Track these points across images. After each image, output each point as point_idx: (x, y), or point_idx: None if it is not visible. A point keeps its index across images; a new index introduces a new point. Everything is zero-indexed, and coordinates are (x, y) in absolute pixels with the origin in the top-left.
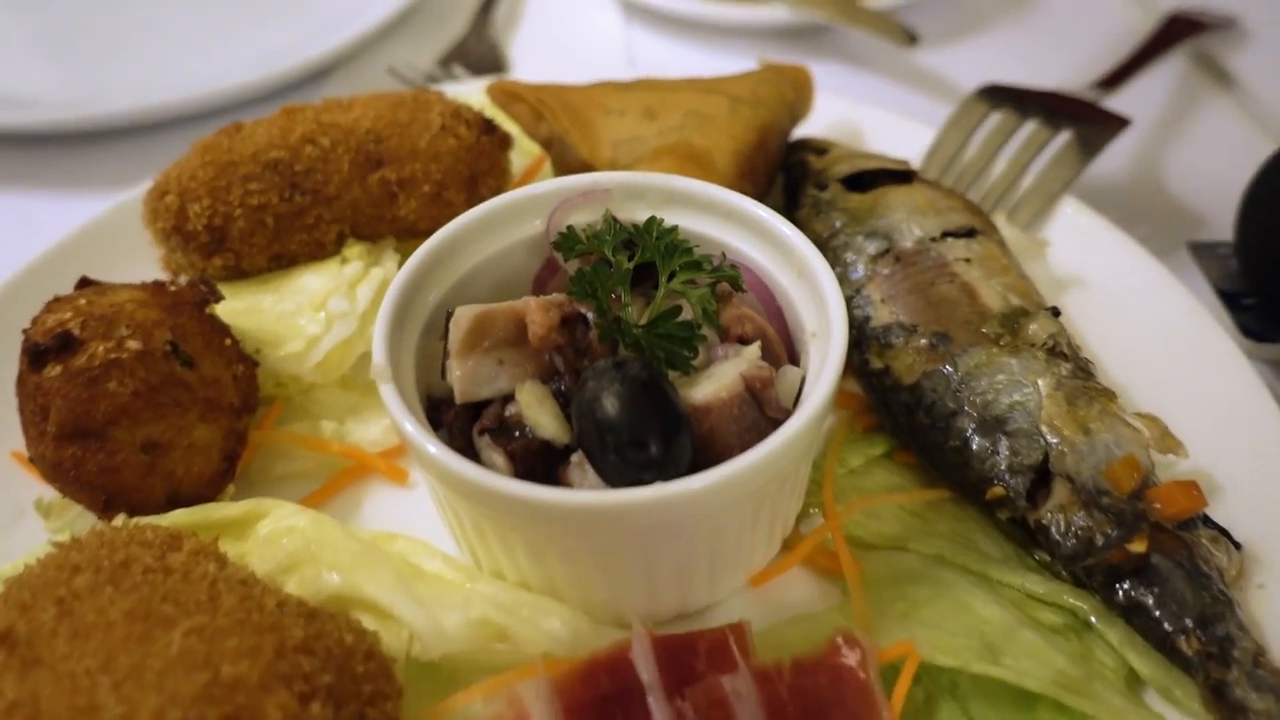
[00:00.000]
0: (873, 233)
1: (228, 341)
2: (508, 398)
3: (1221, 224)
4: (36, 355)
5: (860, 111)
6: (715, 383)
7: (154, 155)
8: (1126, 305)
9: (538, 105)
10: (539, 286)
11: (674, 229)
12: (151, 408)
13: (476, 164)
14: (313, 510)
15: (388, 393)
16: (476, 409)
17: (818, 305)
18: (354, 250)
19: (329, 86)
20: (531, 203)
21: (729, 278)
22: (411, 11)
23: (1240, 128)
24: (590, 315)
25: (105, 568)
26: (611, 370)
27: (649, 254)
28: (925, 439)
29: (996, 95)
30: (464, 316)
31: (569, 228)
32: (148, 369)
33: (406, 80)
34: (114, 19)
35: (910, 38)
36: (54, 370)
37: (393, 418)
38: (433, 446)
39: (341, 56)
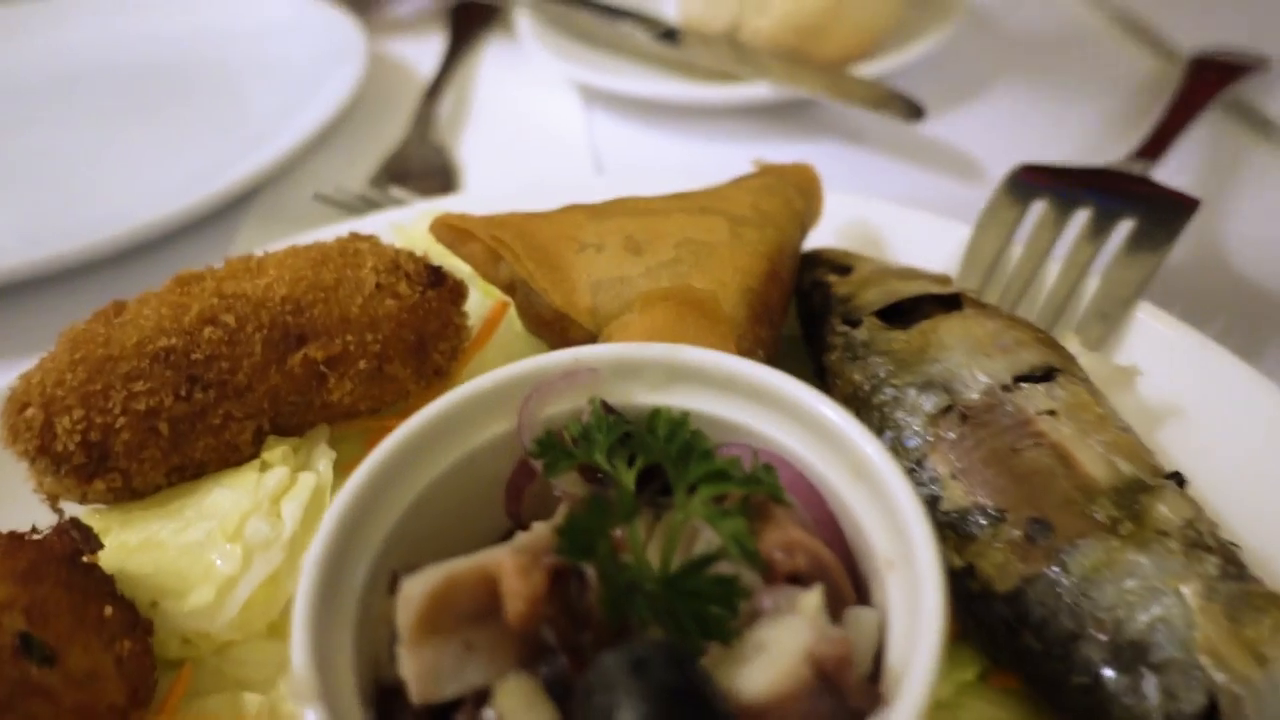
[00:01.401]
0: (928, 383)
1: (108, 610)
2: (482, 693)
3: None
4: None
5: (872, 208)
6: (771, 665)
7: (35, 323)
8: (1236, 437)
9: (494, 245)
10: (513, 496)
11: (685, 419)
12: None
13: (424, 326)
14: None
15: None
16: (442, 711)
17: (889, 520)
18: (275, 452)
19: (246, 216)
20: (496, 395)
21: (768, 489)
22: (339, 123)
23: None
24: (585, 572)
25: None
26: (626, 674)
27: (653, 456)
28: (1038, 669)
29: (1035, 180)
30: (415, 592)
31: (549, 433)
32: None
33: (338, 206)
34: None
35: (916, 110)
36: None
37: None
38: None
39: (256, 183)
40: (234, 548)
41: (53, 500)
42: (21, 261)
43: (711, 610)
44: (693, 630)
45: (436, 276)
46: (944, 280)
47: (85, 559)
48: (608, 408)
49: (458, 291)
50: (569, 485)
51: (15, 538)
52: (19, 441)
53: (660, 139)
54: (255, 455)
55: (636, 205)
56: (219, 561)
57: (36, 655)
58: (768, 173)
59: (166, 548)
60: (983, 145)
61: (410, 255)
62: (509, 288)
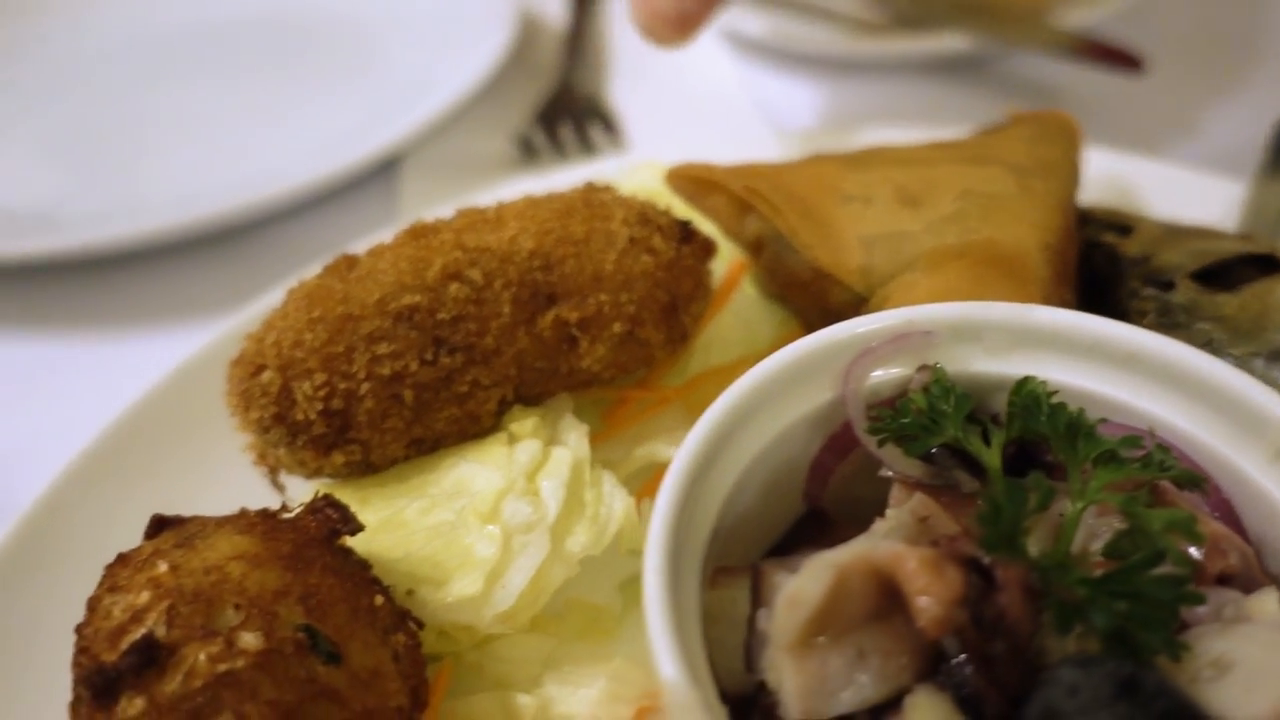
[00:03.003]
0: (1276, 353)
1: (379, 600)
2: (875, 710)
3: None
4: (105, 687)
5: (1122, 164)
6: (1259, 689)
7: (208, 278)
8: None
9: (746, 195)
10: (818, 477)
11: (1050, 392)
12: None
13: (678, 286)
14: None
15: None
16: None
17: None
18: (525, 424)
19: (401, 174)
20: (814, 362)
21: (1178, 475)
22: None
23: None
24: (995, 569)
25: None
26: (1112, 698)
27: (1029, 432)
28: None
29: None
30: (808, 593)
31: (900, 404)
32: (277, 681)
33: (528, 149)
34: (130, 115)
35: (1134, 61)
36: (133, 706)
37: None
38: None
39: (420, 138)
40: (493, 530)
41: (273, 474)
42: (185, 219)
43: (1160, 618)
44: (1144, 642)
45: (686, 231)
46: (1249, 239)
47: (339, 543)
48: (946, 379)
49: (708, 248)
50: (905, 467)
51: (269, 516)
52: (252, 409)
53: (817, 94)
54: (495, 427)
55: (898, 155)
56: (477, 545)
57: (322, 650)
58: (1026, 121)
59: (412, 529)
60: (1200, 99)
61: (654, 206)
62: (754, 245)
